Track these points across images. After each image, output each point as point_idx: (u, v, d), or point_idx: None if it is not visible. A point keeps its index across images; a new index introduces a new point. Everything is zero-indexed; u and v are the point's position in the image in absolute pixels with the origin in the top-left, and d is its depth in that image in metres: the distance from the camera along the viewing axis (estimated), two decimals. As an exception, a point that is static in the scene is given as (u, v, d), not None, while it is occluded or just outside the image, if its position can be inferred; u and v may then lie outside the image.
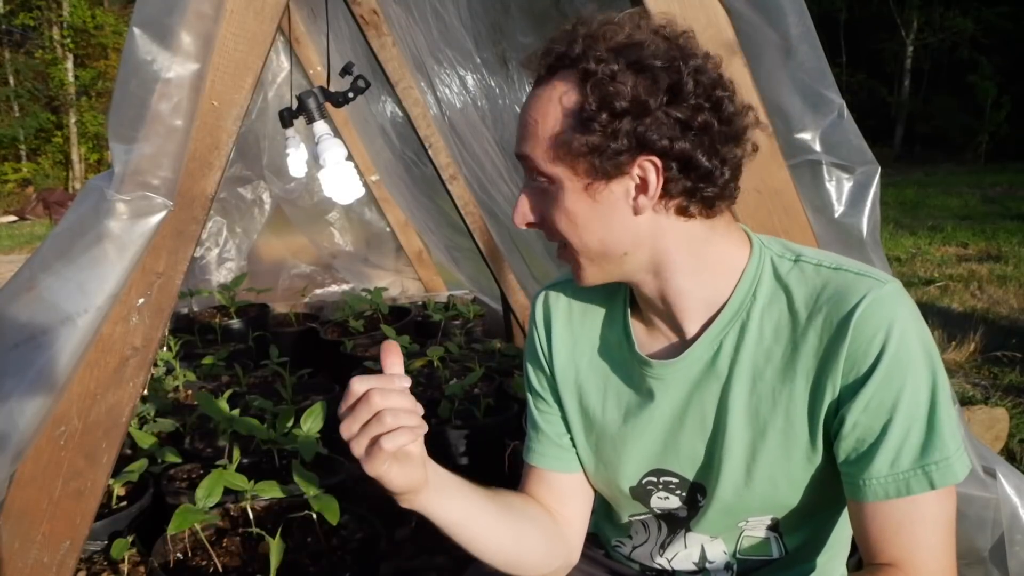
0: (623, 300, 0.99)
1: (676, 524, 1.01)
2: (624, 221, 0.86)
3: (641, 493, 1.00)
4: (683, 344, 0.93)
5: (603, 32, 0.83)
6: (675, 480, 0.97)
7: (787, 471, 0.89)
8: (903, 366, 0.80)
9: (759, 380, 0.88)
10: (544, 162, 0.85)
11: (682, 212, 0.86)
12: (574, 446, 1.03)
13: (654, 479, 0.98)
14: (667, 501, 0.98)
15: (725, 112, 0.83)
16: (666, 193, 0.84)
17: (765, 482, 0.90)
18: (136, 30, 1.10)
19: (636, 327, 0.98)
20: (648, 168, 0.82)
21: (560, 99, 0.83)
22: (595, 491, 1.07)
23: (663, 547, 1.03)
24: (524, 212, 0.90)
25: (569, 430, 1.03)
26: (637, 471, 0.98)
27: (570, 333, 1.03)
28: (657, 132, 0.80)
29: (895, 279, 0.85)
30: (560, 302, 1.05)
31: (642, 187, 0.84)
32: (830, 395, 0.84)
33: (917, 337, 0.82)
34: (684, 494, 0.97)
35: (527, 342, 1.09)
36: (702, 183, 0.83)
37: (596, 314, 1.02)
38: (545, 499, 1.04)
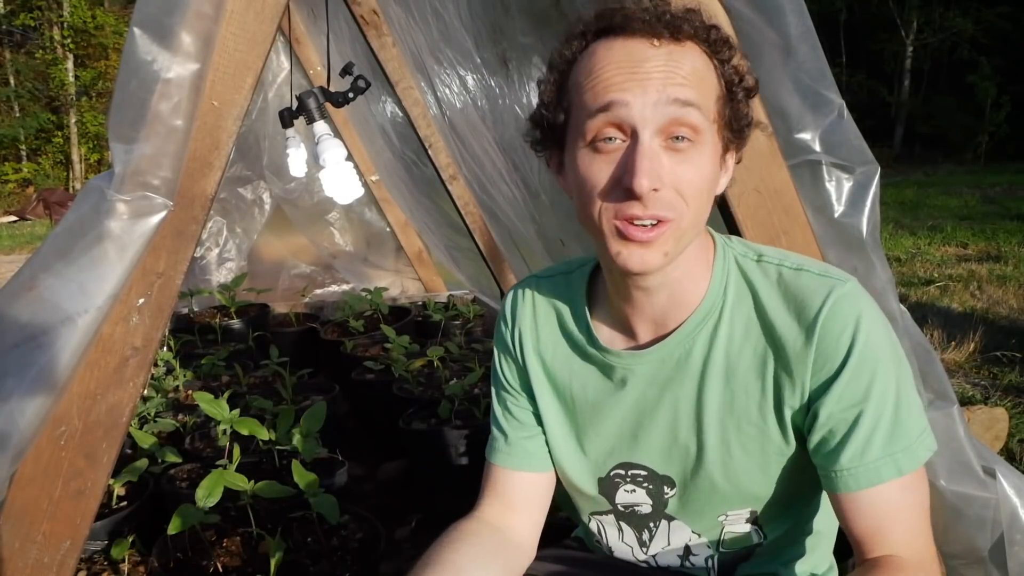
0: (583, 298, 1.00)
1: (641, 521, 1.01)
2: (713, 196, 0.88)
3: (608, 486, 1.00)
4: (650, 343, 0.93)
5: (692, 8, 0.84)
6: (643, 473, 0.97)
7: (762, 464, 0.90)
8: (872, 359, 0.83)
9: (732, 378, 0.89)
10: (706, 117, 0.81)
11: None
12: (545, 440, 1.03)
13: (622, 472, 0.98)
14: (633, 495, 0.99)
15: None
16: None
17: (741, 475, 0.91)
18: (136, 30, 1.10)
19: (598, 325, 0.98)
20: (738, 148, 0.88)
21: (710, 64, 0.83)
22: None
23: (643, 545, 1.03)
24: (656, 171, 0.78)
25: (540, 423, 1.03)
26: (606, 464, 0.99)
27: (534, 328, 1.03)
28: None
29: (853, 277, 0.87)
30: (526, 298, 1.05)
31: (726, 167, 0.88)
32: (800, 392, 0.86)
33: (881, 330, 0.85)
34: (651, 487, 0.98)
35: (496, 337, 1.09)
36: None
37: (558, 310, 1.02)
38: (505, 499, 1.03)
